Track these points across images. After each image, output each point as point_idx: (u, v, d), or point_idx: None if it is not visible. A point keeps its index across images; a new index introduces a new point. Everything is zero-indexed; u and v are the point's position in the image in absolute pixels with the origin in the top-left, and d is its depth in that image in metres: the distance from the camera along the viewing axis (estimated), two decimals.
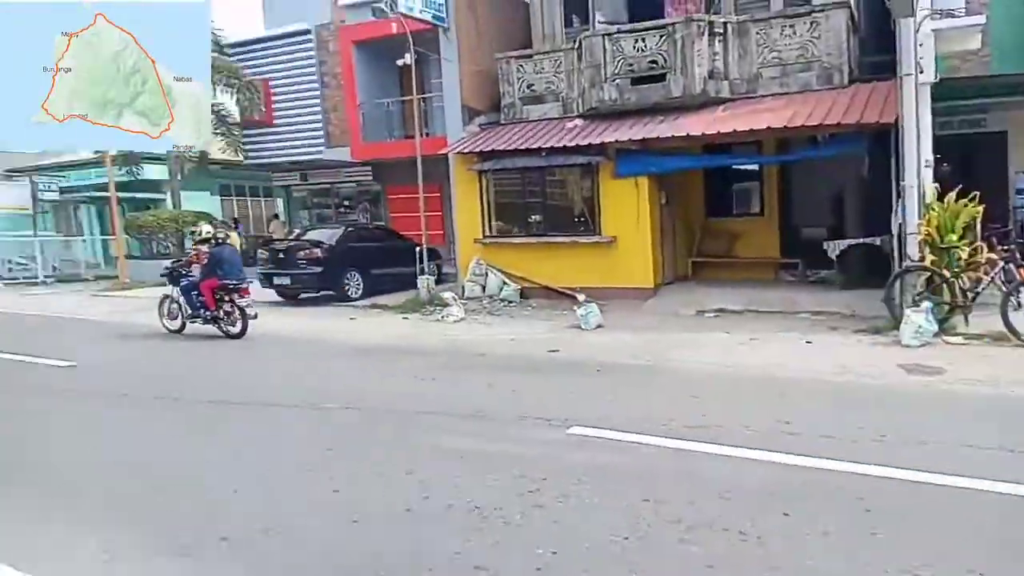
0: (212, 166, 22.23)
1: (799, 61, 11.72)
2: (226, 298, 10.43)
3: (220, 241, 10.96)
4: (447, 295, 12.69)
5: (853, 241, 11.74)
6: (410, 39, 13.56)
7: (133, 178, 21.71)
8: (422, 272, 13.81)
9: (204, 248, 10.96)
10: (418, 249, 14.09)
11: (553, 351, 8.86)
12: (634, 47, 12.35)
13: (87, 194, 23.97)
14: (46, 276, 21.33)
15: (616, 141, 12.13)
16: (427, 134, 15.29)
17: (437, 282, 14.20)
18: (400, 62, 14.10)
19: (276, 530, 3.91)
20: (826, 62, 11.54)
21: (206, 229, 11.67)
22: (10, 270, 21.75)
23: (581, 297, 11.25)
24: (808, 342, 8.81)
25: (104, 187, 20.86)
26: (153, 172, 22.01)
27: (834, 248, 11.76)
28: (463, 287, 13.77)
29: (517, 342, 9.66)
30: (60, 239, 24.27)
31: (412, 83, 14.18)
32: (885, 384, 6.77)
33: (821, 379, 7.04)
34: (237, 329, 10.43)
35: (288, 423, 6.04)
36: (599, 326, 10.36)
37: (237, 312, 10.39)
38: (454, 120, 14.37)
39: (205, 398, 6.87)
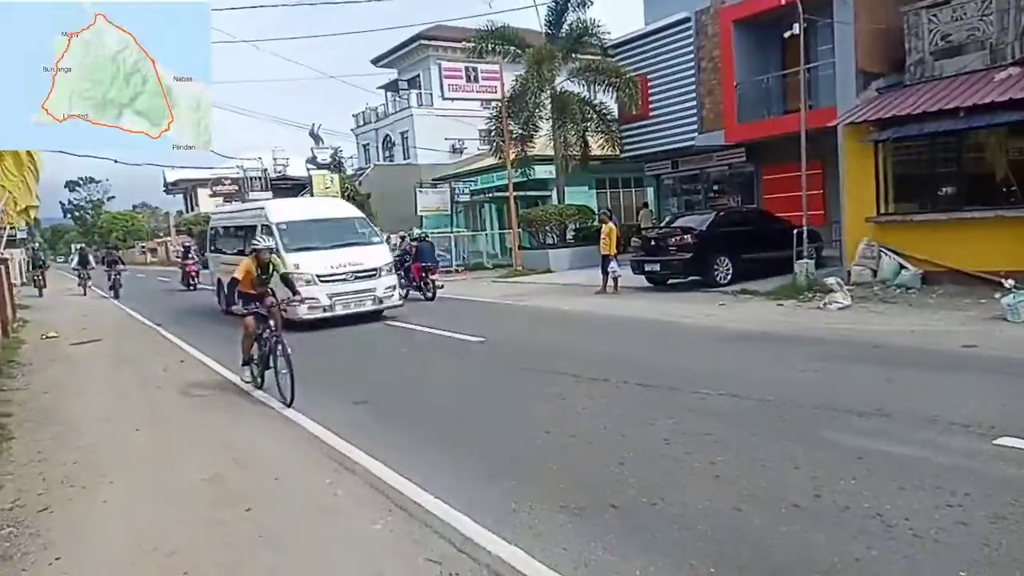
0: (592, 162, 23.79)
1: None
2: (424, 275, 15.95)
3: (422, 239, 17.06)
4: (830, 280, 11.58)
5: None
6: (799, 7, 12.65)
7: (527, 178, 24.37)
8: (799, 256, 12.82)
9: (415, 244, 16.94)
10: (796, 231, 13.12)
11: (969, 346, 7.46)
12: None
13: (490, 195, 27.67)
14: (457, 265, 25.24)
15: None
16: (811, 107, 14.12)
17: (817, 266, 13.02)
18: (787, 33, 13.23)
19: (662, 506, 4.01)
20: None
21: (416, 232, 19.20)
22: (435, 259, 26.27)
23: (1008, 283, 9.28)
24: None
25: (504, 188, 23.83)
26: (542, 172, 24.42)
27: None
28: (849, 272, 12.42)
29: (920, 334, 8.36)
30: (468, 234, 28.47)
31: (797, 54, 13.22)
32: None
33: None
34: (431, 295, 15.83)
35: (663, 405, 6.14)
36: None
37: (430, 284, 15.94)
38: (846, 88, 13.02)
39: (594, 375, 7.35)
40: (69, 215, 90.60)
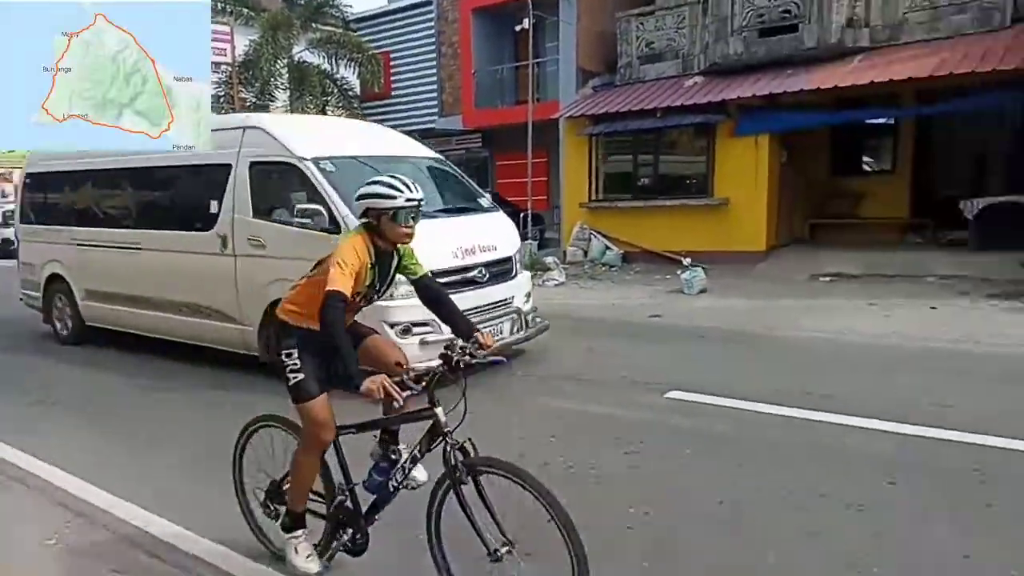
0: None
1: (953, 2, 10.71)
2: None
3: None
4: (548, 259, 12.74)
5: (995, 200, 10.72)
6: (530, 3, 13.51)
7: None
8: (524, 238, 13.85)
9: None
10: (521, 215, 14.19)
11: (655, 316, 8.74)
12: None
13: None
14: None
15: (739, 98, 11.63)
16: (539, 100, 15.25)
17: (539, 247, 14.26)
18: (518, 27, 14.10)
19: None
20: (987, 1, 10.47)
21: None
22: None
23: (686, 261, 10.98)
24: (933, 308, 8.21)
25: None
26: None
27: (972, 207, 10.78)
28: (565, 252, 13.77)
29: (619, 307, 9.58)
30: None
31: (527, 48, 14.17)
32: (1017, 354, 6.23)
33: (942, 348, 6.57)
34: None
35: None
36: (703, 291, 10.10)
37: None
38: (568, 84, 14.27)
39: None
40: None
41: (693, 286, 10.07)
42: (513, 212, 14.70)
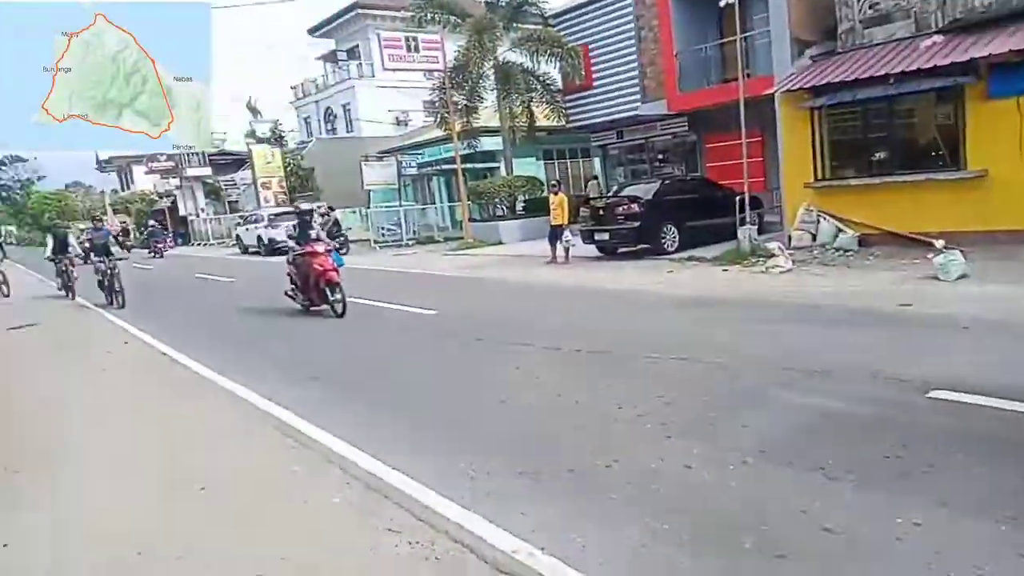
0: (539, 133, 23.76)
1: None
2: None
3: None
4: (772, 245, 11.94)
5: None
6: None
7: (474, 150, 24.20)
8: (742, 222, 13.16)
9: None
10: (738, 198, 13.45)
11: (904, 305, 7.82)
12: None
13: (438, 167, 27.41)
14: (408, 239, 25.06)
15: (991, 55, 10.04)
16: (748, 76, 14.37)
17: (759, 232, 13.40)
18: (723, 2, 13.38)
19: (616, 468, 4.12)
20: None
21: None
22: (383, 235, 25.97)
23: (939, 243, 9.73)
24: None
25: (452, 160, 23.64)
26: (489, 143, 24.29)
27: None
28: (789, 236, 12.82)
29: (858, 294, 8.73)
30: (418, 208, 28.22)
31: (733, 23, 13.41)
32: None
33: None
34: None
35: (616, 371, 6.28)
36: (963, 276, 8.86)
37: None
38: (782, 56, 13.27)
39: (547, 344, 7.44)
40: None
41: (950, 271, 8.87)
42: (729, 195, 14.13)
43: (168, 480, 4.55)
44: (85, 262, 14.59)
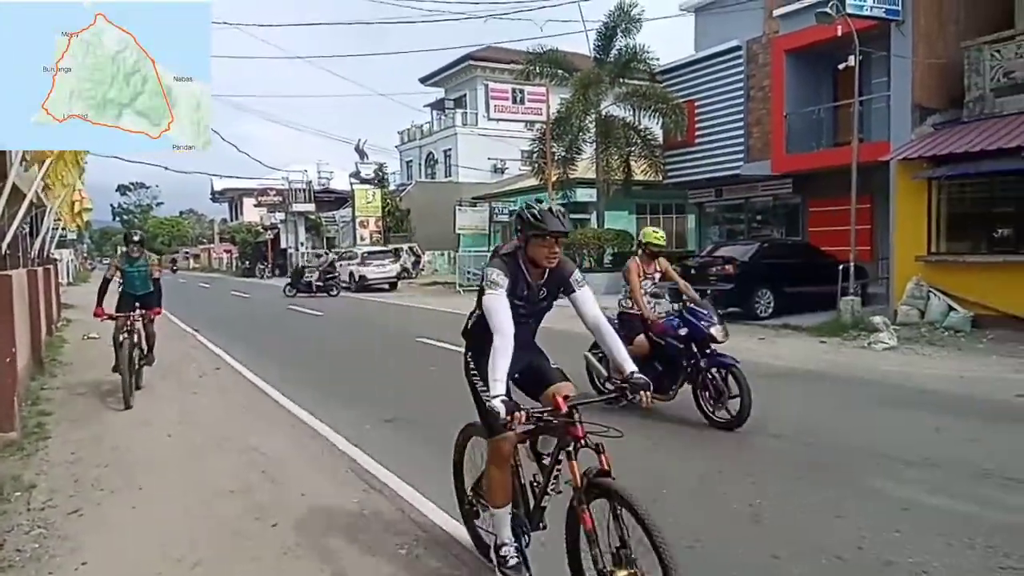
0: (634, 187, 23.66)
1: None
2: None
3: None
4: (876, 319, 11.24)
5: None
6: (856, 39, 12.45)
7: (567, 200, 24.35)
8: (845, 292, 12.49)
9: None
10: (841, 267, 12.80)
11: (1022, 396, 7.12)
12: None
13: None
14: None
15: None
16: (862, 140, 13.83)
17: (862, 304, 12.66)
18: (841, 65, 13.03)
19: (699, 548, 3.84)
20: None
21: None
22: (468, 279, 26.34)
23: None
24: None
25: None
26: (583, 195, 24.39)
27: None
28: (895, 311, 12.07)
29: (970, 380, 8.03)
30: None
31: (850, 86, 13.00)
32: None
33: None
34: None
35: (699, 442, 5.96)
36: None
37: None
38: (900, 122, 12.74)
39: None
40: (118, 218, 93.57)
41: None
42: (831, 263, 13.49)
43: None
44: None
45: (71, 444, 6.10)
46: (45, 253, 15.71)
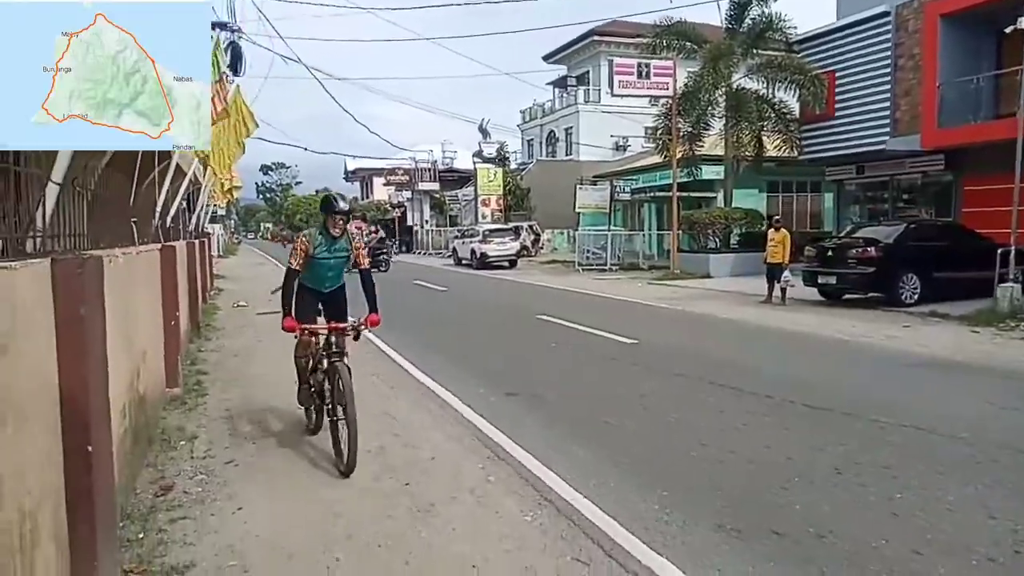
0: (765, 164, 22.58)
1: None
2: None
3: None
4: None
5: None
6: None
7: (692, 178, 23.57)
8: (1003, 279, 11.37)
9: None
10: (1000, 251, 11.64)
11: None
12: None
13: (651, 194, 27.10)
14: (612, 263, 24.99)
15: None
16: None
17: (1023, 292, 11.45)
18: (1009, 28, 11.78)
19: (831, 539, 3.70)
20: None
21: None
22: (587, 258, 26.20)
23: None
24: None
25: (667, 187, 23.23)
26: (709, 172, 23.50)
27: None
28: None
29: None
30: (625, 233, 28.09)
31: (1018, 51, 11.80)
32: None
33: None
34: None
35: (835, 430, 5.66)
36: None
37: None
38: None
39: (755, 389, 6.95)
40: (261, 196, 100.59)
41: None
42: (988, 246, 12.30)
43: None
44: None
45: (225, 401, 6.69)
46: (200, 227, 17.14)
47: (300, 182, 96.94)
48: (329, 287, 5.27)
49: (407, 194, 46.63)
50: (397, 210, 48.74)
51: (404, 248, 45.17)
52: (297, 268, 4.99)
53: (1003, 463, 4.79)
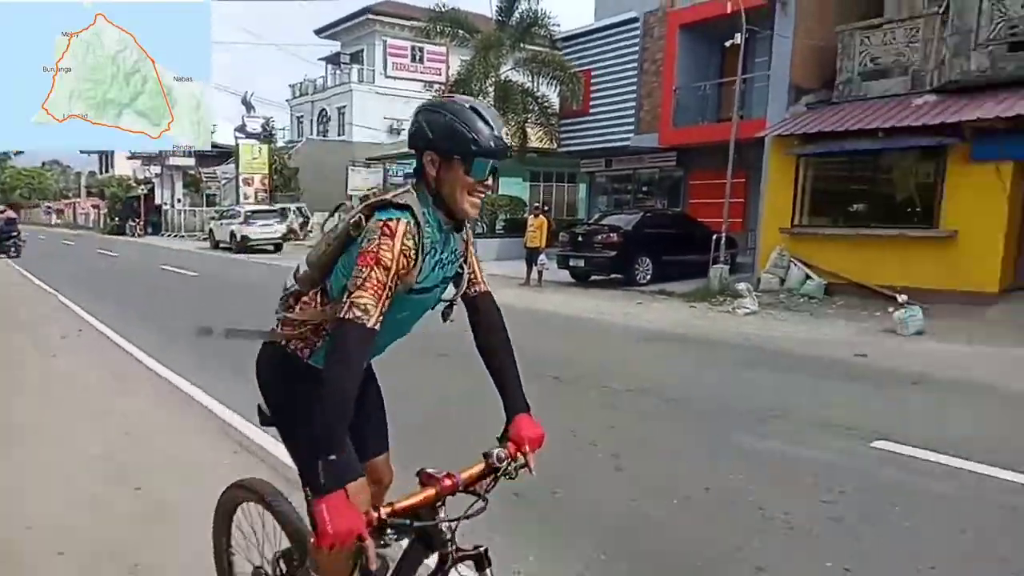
0: (529, 154, 23.83)
1: None
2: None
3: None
4: (740, 286, 11.99)
5: None
6: (743, 16, 12.99)
7: None
8: (715, 261, 13.24)
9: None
10: (715, 237, 13.53)
11: (860, 355, 7.85)
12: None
13: None
14: None
15: (979, 119, 10.25)
16: (743, 117, 14.54)
17: (731, 272, 13.47)
18: (728, 43, 13.59)
19: (562, 495, 3.98)
20: None
21: None
22: None
23: (901, 298, 9.82)
24: None
25: None
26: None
27: None
28: (759, 279, 12.90)
29: (817, 342, 8.75)
30: None
31: (735, 64, 13.59)
32: None
33: None
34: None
35: (574, 398, 6.18)
36: (920, 332, 8.97)
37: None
38: (778, 100, 13.46)
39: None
40: None
41: (908, 326, 8.96)
42: (706, 233, 14.21)
43: None
44: None
45: None
46: None
47: (22, 152, 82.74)
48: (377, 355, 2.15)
49: (156, 169, 42.08)
50: (143, 187, 43.88)
51: (151, 230, 40.81)
52: (375, 328, 1.72)
53: (704, 417, 5.59)
